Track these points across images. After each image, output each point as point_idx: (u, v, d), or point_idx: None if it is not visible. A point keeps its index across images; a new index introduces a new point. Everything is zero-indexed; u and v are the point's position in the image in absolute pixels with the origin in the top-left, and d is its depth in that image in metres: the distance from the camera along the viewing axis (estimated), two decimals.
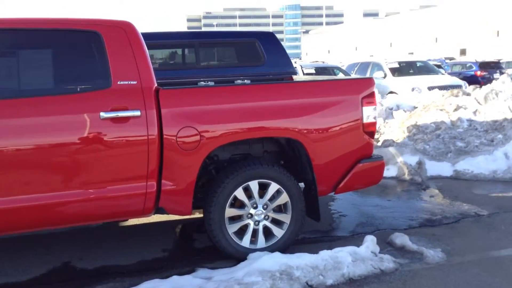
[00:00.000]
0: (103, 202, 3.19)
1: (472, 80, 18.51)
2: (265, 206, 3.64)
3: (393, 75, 13.97)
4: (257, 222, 3.65)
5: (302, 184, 3.88)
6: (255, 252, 3.56)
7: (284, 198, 3.66)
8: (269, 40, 6.02)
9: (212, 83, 4.74)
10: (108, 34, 3.22)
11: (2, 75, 3.11)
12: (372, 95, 3.81)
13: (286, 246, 3.72)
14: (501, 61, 23.68)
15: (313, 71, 12.89)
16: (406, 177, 6.21)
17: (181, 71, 5.79)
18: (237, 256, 3.59)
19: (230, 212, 3.57)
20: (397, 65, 14.22)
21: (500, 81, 8.59)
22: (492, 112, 7.46)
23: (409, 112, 8.79)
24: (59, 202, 3.08)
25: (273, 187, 3.62)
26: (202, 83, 4.79)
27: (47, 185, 3.06)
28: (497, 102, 7.73)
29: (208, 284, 3.18)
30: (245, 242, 3.63)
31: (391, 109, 9.57)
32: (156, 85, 3.34)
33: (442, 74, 14.58)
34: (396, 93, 12.69)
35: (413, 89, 12.64)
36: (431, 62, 19.70)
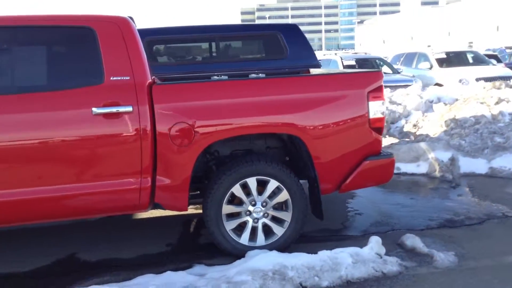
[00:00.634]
0: (96, 197, 3.23)
1: None
2: (264, 204, 3.56)
3: (440, 66, 13.34)
4: (256, 220, 3.57)
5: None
6: (253, 250, 3.50)
7: (284, 195, 3.56)
8: (293, 33, 5.88)
9: (225, 77, 4.69)
10: (101, 30, 3.24)
11: None
12: (379, 89, 3.62)
13: (287, 245, 3.62)
14: None
15: (353, 63, 12.52)
16: (437, 174, 5.90)
17: (202, 65, 5.77)
18: (235, 253, 3.53)
19: (227, 208, 3.51)
20: (444, 56, 13.57)
21: None
22: None
23: (449, 105, 8.35)
24: (52, 196, 3.14)
25: (272, 184, 3.52)
26: (215, 77, 4.75)
27: (40, 180, 3.12)
28: None
29: (199, 282, 3.15)
30: (244, 239, 3.57)
31: (431, 101, 9.11)
32: (150, 80, 3.33)
33: (493, 64, 13.76)
34: (442, 85, 12.11)
35: (460, 81, 12.02)
36: (489, 52, 18.65)
